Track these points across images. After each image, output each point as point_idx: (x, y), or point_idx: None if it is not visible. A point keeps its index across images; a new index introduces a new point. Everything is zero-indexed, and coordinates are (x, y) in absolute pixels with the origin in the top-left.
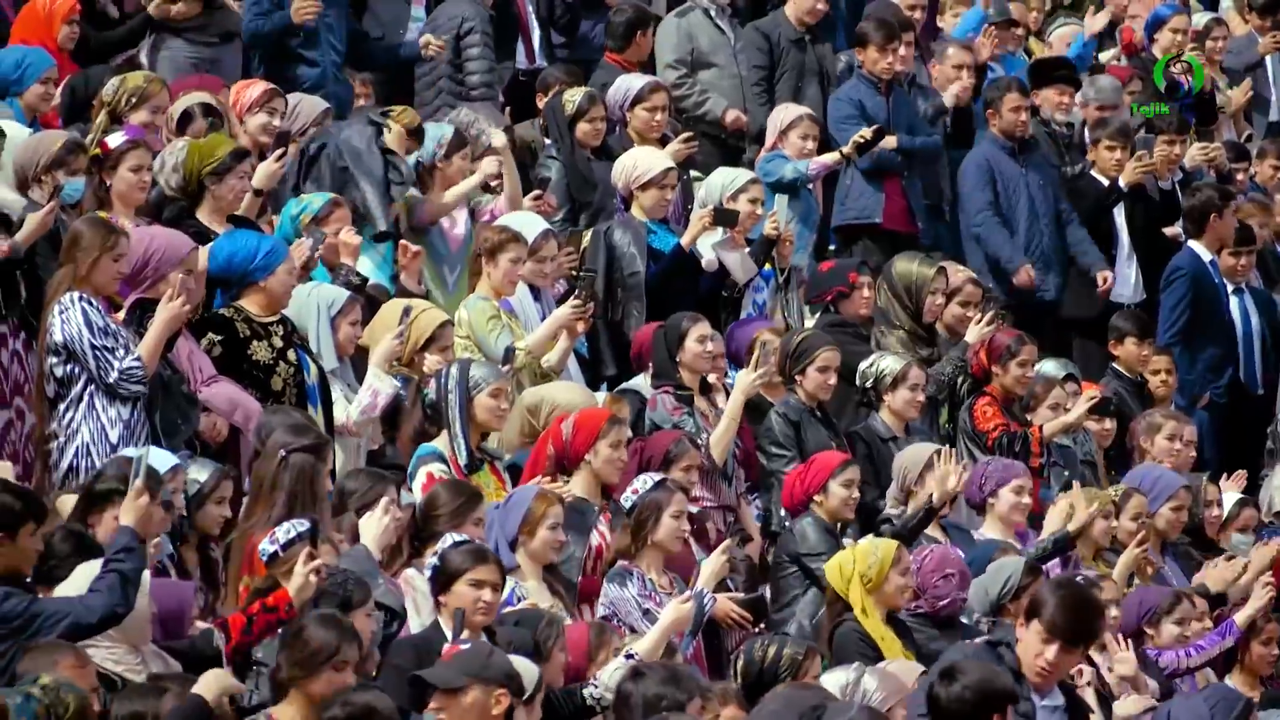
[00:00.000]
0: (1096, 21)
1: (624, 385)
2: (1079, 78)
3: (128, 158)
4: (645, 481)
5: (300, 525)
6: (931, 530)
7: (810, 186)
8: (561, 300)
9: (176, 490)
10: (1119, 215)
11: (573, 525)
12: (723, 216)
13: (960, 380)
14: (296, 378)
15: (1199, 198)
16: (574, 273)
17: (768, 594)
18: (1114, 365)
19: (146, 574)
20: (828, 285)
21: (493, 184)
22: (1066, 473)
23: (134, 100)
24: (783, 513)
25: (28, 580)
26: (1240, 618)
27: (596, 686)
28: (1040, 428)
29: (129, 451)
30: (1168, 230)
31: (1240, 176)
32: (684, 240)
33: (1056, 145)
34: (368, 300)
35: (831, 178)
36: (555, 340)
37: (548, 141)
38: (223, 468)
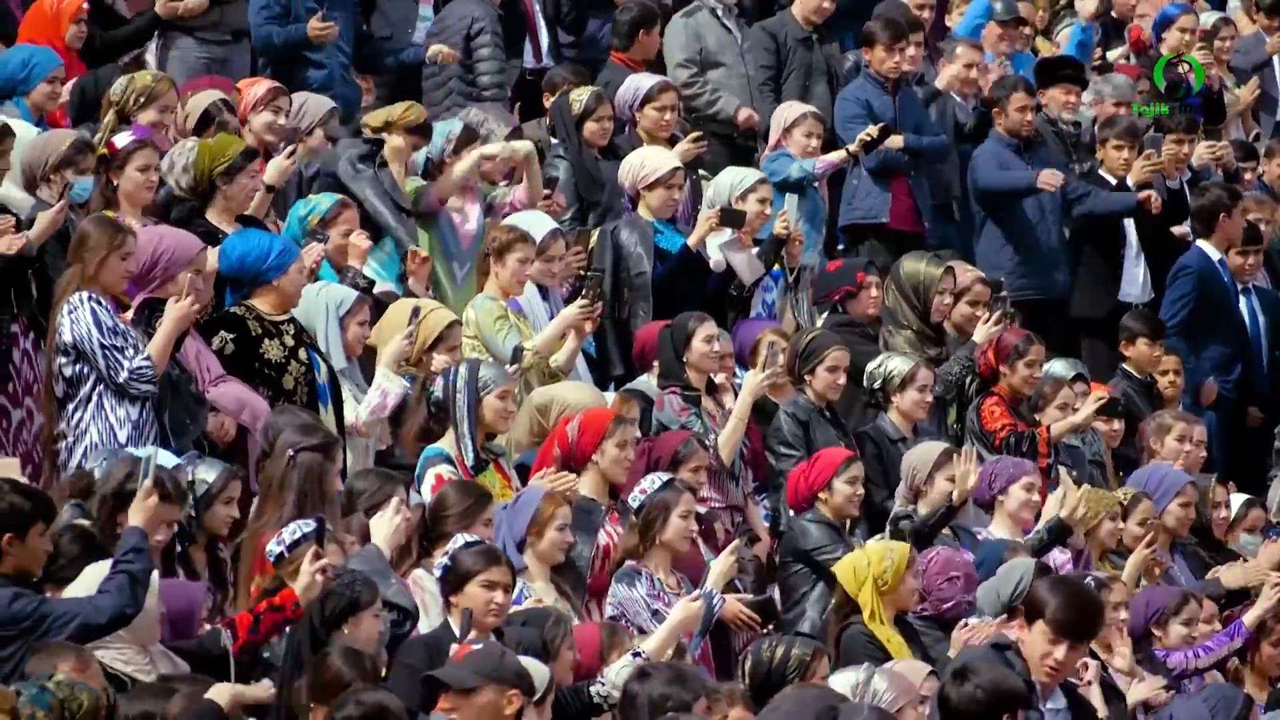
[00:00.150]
0: (1086, 5)
1: (628, 385)
2: (1085, 77)
3: (135, 157)
4: (653, 481)
5: (306, 525)
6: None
7: (816, 185)
8: (569, 300)
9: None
10: None
11: (580, 525)
12: (729, 217)
13: (968, 380)
14: (308, 377)
15: (1208, 197)
16: (582, 272)
17: (777, 595)
18: (1123, 365)
19: (154, 574)
20: (835, 285)
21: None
22: (1074, 473)
23: (142, 100)
24: (791, 513)
25: (36, 579)
26: (1249, 618)
27: (603, 684)
28: (1048, 428)
29: (137, 451)
30: (1176, 230)
31: (1248, 175)
32: (690, 240)
33: (1064, 144)
34: (375, 302)
35: (838, 177)
36: (563, 340)
37: (555, 141)
38: (231, 468)
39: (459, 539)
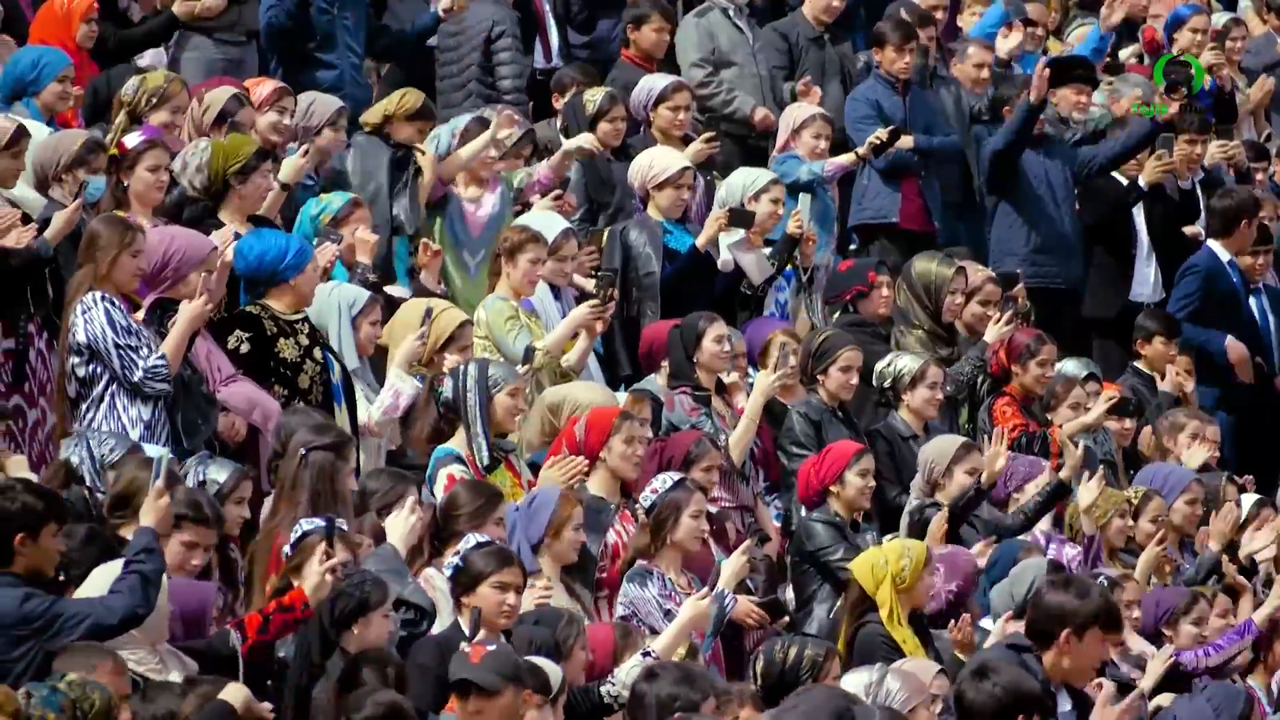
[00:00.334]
0: (1113, 15)
1: (636, 385)
2: (1096, 77)
3: (145, 157)
4: (664, 481)
5: (311, 524)
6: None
7: (826, 186)
8: (580, 299)
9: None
10: (1138, 215)
11: (589, 524)
12: (738, 217)
13: (980, 380)
14: (323, 376)
15: (1234, 199)
16: (593, 272)
17: (790, 595)
18: (1135, 364)
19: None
20: (846, 285)
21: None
22: (1085, 471)
23: (154, 100)
24: (803, 511)
25: (57, 579)
26: (1259, 616)
27: (614, 684)
28: (1060, 427)
29: (150, 451)
30: (1187, 230)
31: (1259, 175)
32: (699, 241)
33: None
34: (387, 301)
35: (848, 177)
36: (573, 340)
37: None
38: (242, 468)
39: (470, 539)
